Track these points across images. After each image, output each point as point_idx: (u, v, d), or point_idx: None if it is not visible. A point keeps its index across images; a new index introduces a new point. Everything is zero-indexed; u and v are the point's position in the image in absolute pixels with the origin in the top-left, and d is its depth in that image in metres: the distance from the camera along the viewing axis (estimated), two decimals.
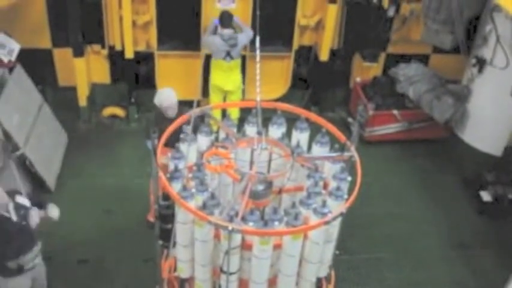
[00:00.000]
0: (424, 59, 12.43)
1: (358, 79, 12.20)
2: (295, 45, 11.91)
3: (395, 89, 11.67)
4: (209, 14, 11.05)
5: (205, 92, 11.77)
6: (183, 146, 6.84)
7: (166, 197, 6.79)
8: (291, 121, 7.16)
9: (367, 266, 9.33)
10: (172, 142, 6.94)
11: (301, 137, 7.09)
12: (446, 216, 10.37)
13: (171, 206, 6.81)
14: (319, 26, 11.85)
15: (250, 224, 5.82)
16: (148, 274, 7.73)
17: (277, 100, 11.51)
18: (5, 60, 9.83)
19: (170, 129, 6.92)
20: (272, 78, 11.88)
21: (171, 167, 6.63)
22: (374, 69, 12.33)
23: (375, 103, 11.61)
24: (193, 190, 6.19)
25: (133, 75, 11.83)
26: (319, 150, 7.00)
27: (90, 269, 8.93)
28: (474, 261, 9.56)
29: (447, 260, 9.58)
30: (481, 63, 10.48)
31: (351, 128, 11.18)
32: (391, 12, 11.43)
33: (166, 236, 6.98)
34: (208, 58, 11.31)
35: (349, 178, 6.57)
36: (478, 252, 9.71)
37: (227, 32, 10.61)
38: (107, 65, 11.89)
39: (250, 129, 6.99)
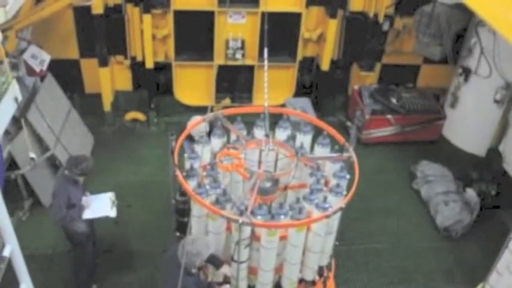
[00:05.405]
0: (415, 69, 12.47)
1: (356, 87, 12.18)
2: (299, 56, 11.93)
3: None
4: (222, 28, 11.06)
5: (218, 98, 11.85)
6: (198, 147, 6.88)
7: (183, 193, 6.83)
8: (295, 124, 7.18)
9: (364, 255, 9.31)
10: None
11: (304, 139, 7.12)
12: None
13: (187, 201, 6.84)
14: (320, 39, 11.86)
15: (259, 217, 5.84)
16: None
17: (282, 106, 11.54)
18: (37, 69, 9.87)
19: (186, 132, 6.96)
20: (278, 85, 11.89)
21: (187, 166, 6.67)
22: (370, 78, 12.30)
23: (371, 109, 11.61)
24: (207, 187, 6.22)
25: (153, 83, 11.86)
26: (321, 151, 7.03)
27: (113, 259, 8.93)
28: (460, 251, 9.54)
29: (436, 250, 9.56)
30: (467, 73, 10.47)
31: (349, 131, 11.11)
32: (385, 27, 11.42)
33: (183, 228, 7.02)
34: (220, 68, 11.36)
35: (348, 176, 6.59)
36: (464, 243, 9.69)
37: None
38: (129, 74, 11.92)
39: (259, 132, 7.01)
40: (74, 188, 7.52)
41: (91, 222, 7.86)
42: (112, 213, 7.66)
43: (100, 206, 7.69)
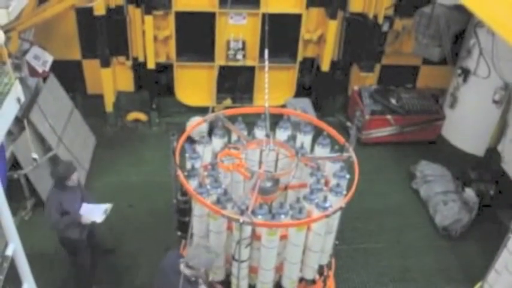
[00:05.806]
0: (414, 70, 12.47)
1: (355, 87, 12.17)
2: (300, 57, 11.92)
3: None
4: (223, 29, 11.07)
5: (219, 98, 11.84)
6: (199, 147, 6.88)
7: (184, 192, 6.82)
8: (296, 125, 7.18)
9: (363, 255, 9.30)
10: None
11: (305, 139, 7.13)
12: None
13: (189, 201, 6.84)
14: (321, 40, 11.85)
15: (259, 217, 5.85)
16: None
17: (283, 106, 11.54)
18: (40, 70, 9.88)
19: (186, 133, 6.95)
20: (279, 86, 11.89)
21: (189, 166, 6.67)
22: (370, 79, 12.29)
23: (370, 109, 11.60)
24: (208, 187, 6.22)
25: (155, 84, 11.85)
26: (321, 151, 7.03)
27: (116, 258, 8.93)
28: (459, 250, 9.53)
29: (434, 249, 9.55)
30: (466, 73, 10.47)
31: (349, 131, 11.12)
32: (385, 28, 11.42)
33: (184, 228, 7.02)
34: (221, 68, 11.35)
35: (348, 176, 6.60)
36: (462, 243, 9.68)
37: None
38: (130, 75, 11.91)
39: (259, 132, 7.02)
40: (65, 194, 7.49)
41: (87, 229, 7.83)
42: (99, 219, 7.68)
43: (95, 212, 7.72)
